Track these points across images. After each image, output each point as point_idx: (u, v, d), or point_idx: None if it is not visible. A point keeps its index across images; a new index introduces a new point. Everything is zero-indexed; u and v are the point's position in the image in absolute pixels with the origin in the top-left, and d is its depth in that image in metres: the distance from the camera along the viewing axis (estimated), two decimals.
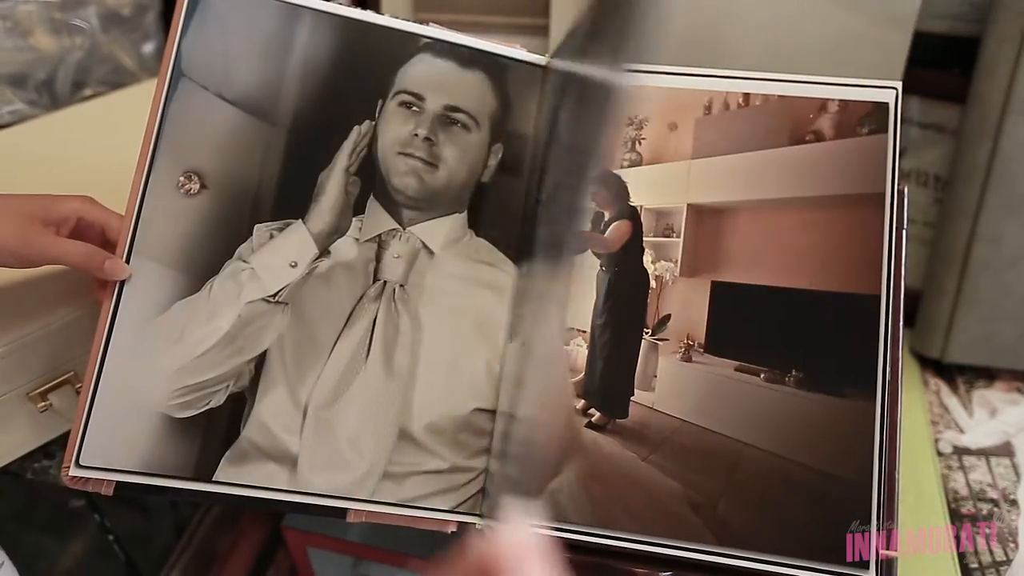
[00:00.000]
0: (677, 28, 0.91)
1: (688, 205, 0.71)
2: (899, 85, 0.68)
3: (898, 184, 0.66)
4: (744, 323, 0.69)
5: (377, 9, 0.85)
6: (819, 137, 0.68)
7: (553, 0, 1.02)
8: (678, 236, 0.71)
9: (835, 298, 0.66)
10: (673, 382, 0.69)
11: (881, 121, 0.67)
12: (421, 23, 0.70)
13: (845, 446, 0.64)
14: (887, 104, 0.67)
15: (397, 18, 0.70)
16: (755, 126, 0.70)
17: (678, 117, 0.71)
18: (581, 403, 0.70)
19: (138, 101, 1.03)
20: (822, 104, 0.69)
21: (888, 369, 0.64)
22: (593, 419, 0.69)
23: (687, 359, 0.69)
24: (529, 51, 0.72)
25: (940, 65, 0.95)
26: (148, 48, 1.16)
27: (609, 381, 0.70)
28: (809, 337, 0.67)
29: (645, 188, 0.72)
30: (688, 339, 0.69)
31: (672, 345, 0.69)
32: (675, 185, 0.71)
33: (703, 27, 0.91)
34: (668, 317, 0.69)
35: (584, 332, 0.70)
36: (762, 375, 0.67)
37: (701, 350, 0.69)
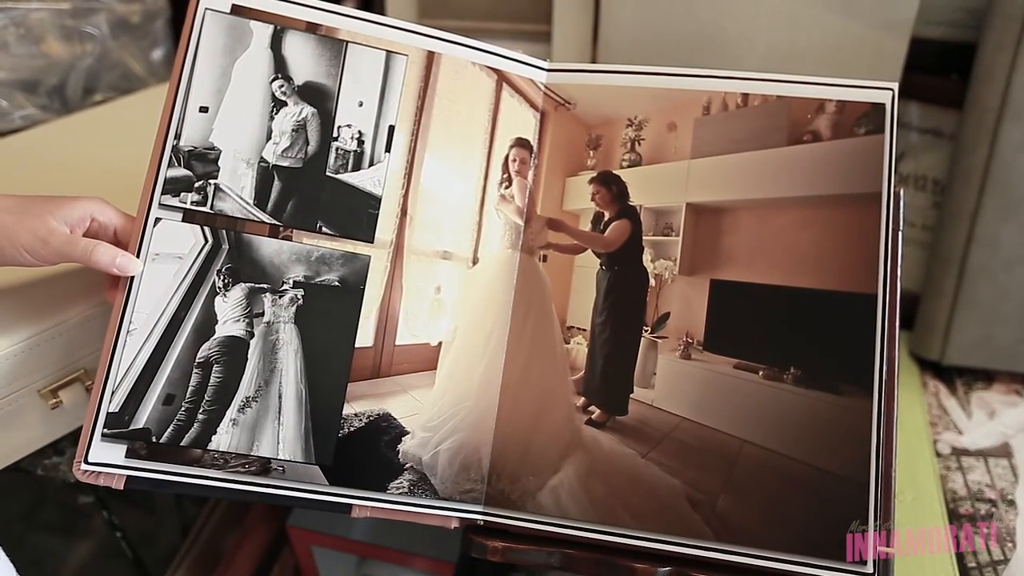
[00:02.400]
0: (678, 31, 0.92)
1: (687, 204, 0.71)
2: (895, 86, 0.68)
3: (895, 186, 0.67)
4: (743, 321, 0.69)
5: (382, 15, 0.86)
6: (817, 137, 0.69)
7: (555, 7, 1.03)
8: (677, 235, 0.71)
9: (833, 297, 0.67)
10: (672, 379, 0.69)
11: (878, 122, 0.68)
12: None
13: (842, 443, 0.64)
14: (884, 105, 0.68)
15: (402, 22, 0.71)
16: (753, 126, 0.70)
17: (677, 117, 0.72)
18: (581, 400, 0.70)
19: (147, 106, 1.06)
20: (820, 104, 0.69)
21: (884, 368, 0.65)
22: (593, 416, 0.70)
23: (686, 356, 0.70)
24: (531, 57, 0.74)
25: (938, 70, 0.95)
26: (157, 54, 1.18)
27: (609, 379, 0.70)
28: (807, 335, 0.67)
29: (644, 188, 0.72)
30: (687, 337, 0.70)
31: (671, 343, 0.70)
32: (674, 185, 0.72)
33: (703, 33, 0.92)
34: (667, 315, 0.70)
35: (584, 331, 0.71)
36: (761, 372, 0.68)
37: (700, 348, 0.69)
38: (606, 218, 0.73)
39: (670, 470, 0.67)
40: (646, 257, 0.71)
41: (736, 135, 0.70)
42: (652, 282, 0.71)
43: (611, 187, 0.73)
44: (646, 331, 0.70)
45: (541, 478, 0.68)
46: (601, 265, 0.72)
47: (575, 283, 0.72)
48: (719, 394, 0.68)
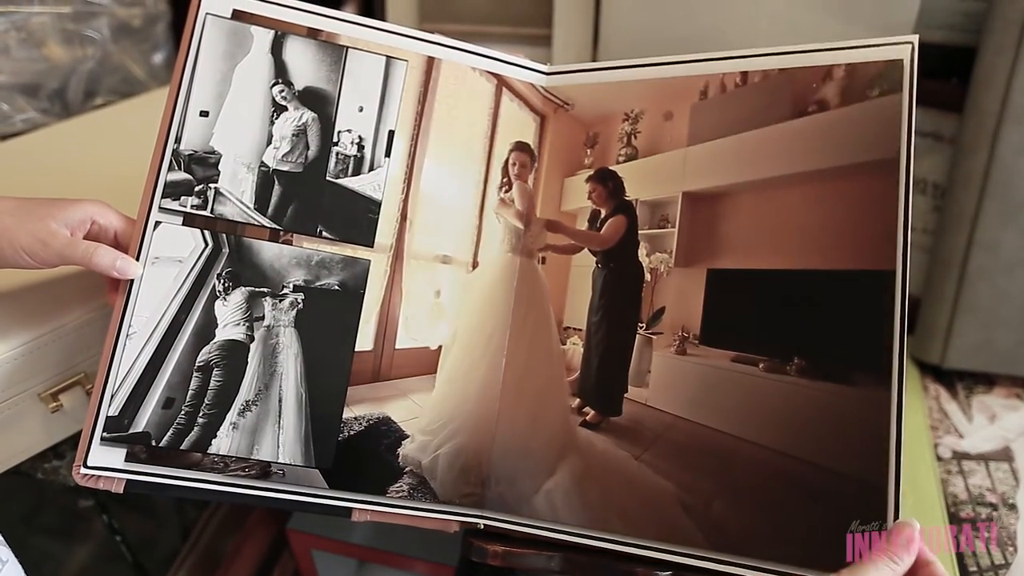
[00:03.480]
0: (678, 36, 0.92)
1: (683, 193, 0.68)
2: (915, 39, 0.61)
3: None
4: (741, 311, 0.65)
5: (383, 19, 0.86)
6: (824, 107, 0.63)
7: (556, 11, 1.03)
8: (673, 226, 0.68)
9: (843, 277, 0.60)
10: (667, 377, 0.66)
11: (894, 81, 0.60)
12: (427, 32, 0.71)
13: (853, 439, 0.58)
14: (901, 61, 0.61)
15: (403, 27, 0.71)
16: (753, 104, 0.66)
17: (673, 105, 0.69)
18: (576, 402, 0.69)
19: (148, 110, 1.06)
20: (827, 72, 0.63)
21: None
22: (587, 418, 0.69)
23: (681, 352, 0.66)
24: (532, 61, 0.74)
25: (938, 74, 0.95)
26: (158, 58, 1.18)
27: (603, 379, 0.69)
28: (813, 321, 0.61)
29: (640, 181, 0.70)
30: (683, 331, 0.66)
31: (666, 338, 0.67)
32: (670, 174, 0.69)
33: (704, 38, 0.92)
34: (662, 310, 0.67)
35: (580, 331, 0.70)
36: (761, 365, 0.63)
37: (696, 342, 0.66)
38: (602, 215, 0.72)
39: (663, 472, 0.64)
40: (641, 252, 0.69)
41: (735, 116, 0.66)
42: (648, 277, 0.68)
43: (607, 184, 0.71)
44: (641, 328, 0.68)
45: (536, 482, 0.67)
46: (597, 263, 0.70)
47: (572, 283, 0.71)
48: (715, 390, 0.64)
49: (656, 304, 0.68)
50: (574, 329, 0.70)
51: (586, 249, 0.72)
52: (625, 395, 0.68)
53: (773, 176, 0.65)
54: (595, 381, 0.69)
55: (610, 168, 0.71)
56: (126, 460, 0.63)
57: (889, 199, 0.59)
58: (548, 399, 0.69)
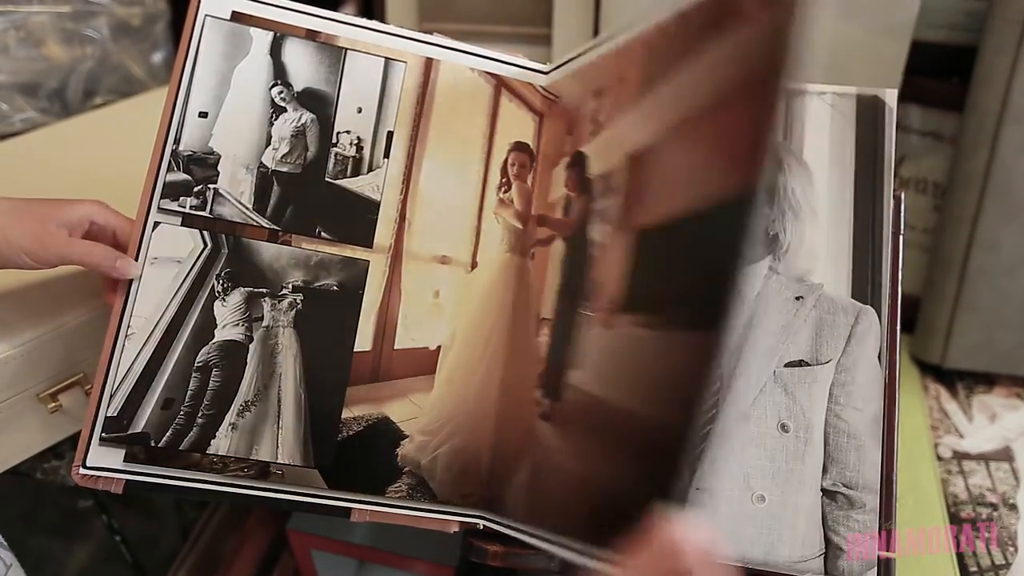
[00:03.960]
0: None
1: (626, 156, 0.61)
2: None
3: (896, 191, 0.65)
4: (650, 269, 0.56)
5: (383, 19, 0.86)
6: (746, 19, 0.48)
7: (556, 10, 1.03)
8: (617, 195, 0.62)
9: (710, 211, 0.49)
10: (593, 355, 0.60)
11: None
12: (426, 32, 0.71)
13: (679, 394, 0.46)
14: None
15: (402, 28, 0.71)
16: (682, 40, 0.56)
17: (627, 71, 0.63)
18: (539, 394, 0.66)
19: (147, 109, 1.06)
20: None
21: (887, 373, 0.64)
22: (543, 409, 0.65)
23: (608, 326, 0.59)
24: (531, 60, 0.74)
25: (938, 74, 0.96)
26: (157, 57, 1.18)
27: (552, 366, 0.65)
28: (683, 266, 0.52)
29: (599, 156, 0.66)
30: (610, 303, 0.59)
31: (601, 315, 0.60)
32: (618, 141, 0.63)
33: None
34: (600, 285, 0.62)
35: (550, 320, 0.67)
36: (641, 323, 0.55)
37: (619, 312, 0.58)
38: (572, 199, 0.69)
39: (573, 457, 0.58)
40: (594, 228, 0.64)
41: (669, 59, 0.57)
42: (596, 253, 0.63)
43: (576, 167, 0.69)
44: (586, 306, 0.63)
45: (509, 480, 0.66)
46: (565, 249, 0.68)
47: (549, 274, 0.69)
48: (617, 361, 0.57)
49: (598, 279, 0.62)
50: (546, 320, 0.68)
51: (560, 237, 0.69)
52: (565, 380, 0.62)
53: (688, 113, 0.54)
54: (551, 370, 0.66)
55: (580, 150, 0.69)
56: (125, 460, 0.63)
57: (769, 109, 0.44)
58: (522, 395, 0.68)
